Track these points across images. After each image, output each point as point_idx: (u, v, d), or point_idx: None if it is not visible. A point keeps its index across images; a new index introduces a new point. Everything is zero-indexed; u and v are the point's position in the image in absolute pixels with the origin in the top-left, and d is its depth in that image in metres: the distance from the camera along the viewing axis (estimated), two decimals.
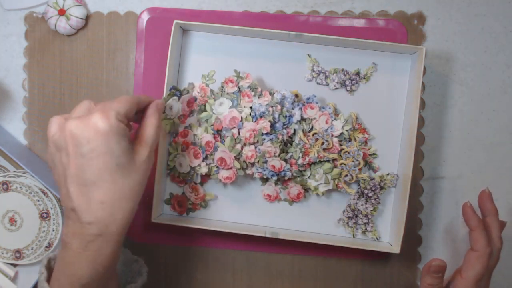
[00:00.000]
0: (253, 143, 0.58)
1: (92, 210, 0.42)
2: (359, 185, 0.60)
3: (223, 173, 0.58)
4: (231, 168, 0.58)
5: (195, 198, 0.61)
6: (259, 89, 0.58)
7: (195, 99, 0.58)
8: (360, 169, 0.59)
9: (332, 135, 0.59)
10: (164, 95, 0.57)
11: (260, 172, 0.58)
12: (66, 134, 0.42)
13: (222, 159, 0.57)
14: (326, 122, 0.59)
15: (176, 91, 0.55)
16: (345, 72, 0.60)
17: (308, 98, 0.59)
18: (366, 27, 0.61)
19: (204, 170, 0.58)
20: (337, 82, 0.60)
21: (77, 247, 0.43)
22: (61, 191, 0.44)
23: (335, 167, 0.59)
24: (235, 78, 0.59)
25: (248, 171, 0.58)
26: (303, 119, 0.59)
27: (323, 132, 0.58)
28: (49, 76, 0.64)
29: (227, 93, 0.59)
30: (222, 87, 0.59)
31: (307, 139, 0.58)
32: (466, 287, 0.52)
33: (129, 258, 0.58)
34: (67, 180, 0.42)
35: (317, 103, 0.59)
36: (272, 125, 0.57)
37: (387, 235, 0.61)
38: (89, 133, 0.41)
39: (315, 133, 0.58)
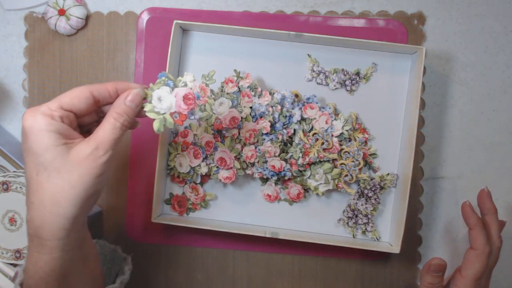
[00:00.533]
0: (253, 143, 0.58)
1: (27, 209, 0.41)
2: (359, 185, 0.60)
3: (223, 173, 0.58)
4: (231, 168, 0.58)
5: (195, 198, 0.61)
6: (259, 89, 0.58)
7: (197, 96, 0.46)
8: (360, 169, 0.59)
9: (332, 135, 0.59)
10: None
11: (260, 172, 0.58)
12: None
13: (222, 159, 0.57)
14: (326, 122, 0.59)
15: (168, 80, 0.46)
16: (345, 72, 0.60)
17: (308, 98, 0.59)
18: (366, 27, 0.61)
19: (204, 170, 0.58)
20: (337, 82, 0.60)
21: (28, 244, 0.42)
22: None
23: (335, 167, 0.59)
24: (235, 78, 0.59)
25: (248, 171, 0.58)
26: (303, 119, 0.59)
27: (323, 132, 0.58)
28: (49, 76, 0.64)
29: (227, 93, 0.59)
30: (222, 87, 0.59)
31: (307, 139, 0.58)
32: (465, 285, 0.52)
33: (118, 256, 0.57)
34: None
35: (317, 103, 0.59)
36: (272, 125, 0.57)
37: (387, 235, 0.61)
38: (22, 131, 0.40)
39: (315, 133, 0.58)
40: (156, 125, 0.45)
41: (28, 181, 0.40)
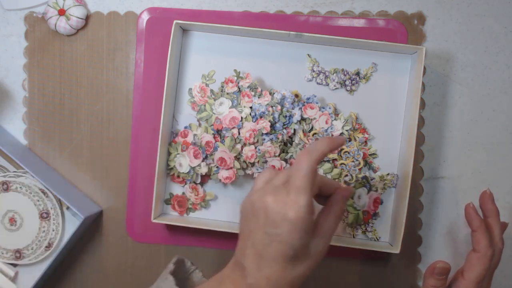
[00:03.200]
0: (253, 143, 0.58)
1: (258, 278, 0.42)
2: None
3: (223, 173, 0.58)
4: (231, 168, 0.58)
5: (195, 198, 0.61)
6: (259, 89, 0.58)
7: None
8: (360, 169, 0.59)
9: (332, 135, 0.59)
10: (164, 99, 0.57)
11: (260, 172, 0.58)
12: (262, 205, 0.42)
13: (222, 159, 0.57)
14: (326, 122, 0.59)
15: (366, 183, 0.58)
16: (345, 72, 0.60)
17: (308, 98, 0.59)
18: (366, 27, 0.61)
19: (204, 170, 0.58)
20: (337, 82, 0.60)
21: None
22: (239, 242, 0.45)
23: (335, 167, 0.59)
24: (235, 78, 0.59)
25: (248, 171, 0.58)
26: (303, 119, 0.59)
27: (323, 132, 0.58)
28: (49, 76, 0.64)
29: (227, 93, 0.59)
30: (222, 87, 0.59)
31: (307, 139, 0.58)
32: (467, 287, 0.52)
33: (187, 268, 0.56)
34: (248, 241, 0.43)
35: (317, 103, 0.59)
36: (272, 125, 0.57)
37: (387, 235, 0.61)
38: (278, 217, 0.41)
39: (315, 133, 0.58)
40: (350, 219, 0.59)
41: (268, 261, 0.42)
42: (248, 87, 0.59)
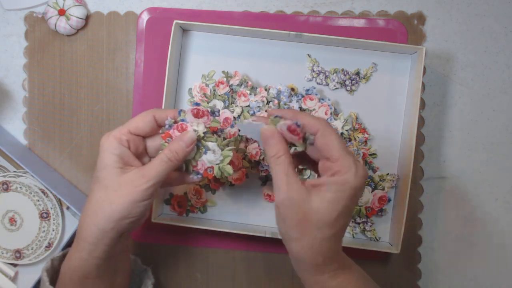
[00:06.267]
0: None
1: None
2: None
3: (233, 175, 0.58)
4: (240, 169, 0.57)
5: (196, 201, 0.61)
6: (250, 83, 0.58)
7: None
8: None
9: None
10: (164, 99, 0.56)
11: (266, 169, 0.57)
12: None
13: (230, 161, 0.57)
14: (326, 113, 0.59)
15: (370, 182, 0.56)
16: (345, 72, 0.60)
17: (307, 90, 0.59)
18: (366, 27, 0.61)
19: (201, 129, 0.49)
20: (337, 82, 0.60)
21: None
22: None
23: None
24: (225, 79, 0.59)
25: (254, 170, 0.58)
26: (302, 110, 0.59)
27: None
28: (49, 76, 0.64)
29: (219, 95, 0.59)
30: (214, 90, 0.59)
31: None
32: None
33: (138, 267, 0.57)
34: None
35: (316, 94, 0.59)
36: None
37: (387, 235, 0.61)
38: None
39: None
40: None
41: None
42: (239, 84, 0.58)
